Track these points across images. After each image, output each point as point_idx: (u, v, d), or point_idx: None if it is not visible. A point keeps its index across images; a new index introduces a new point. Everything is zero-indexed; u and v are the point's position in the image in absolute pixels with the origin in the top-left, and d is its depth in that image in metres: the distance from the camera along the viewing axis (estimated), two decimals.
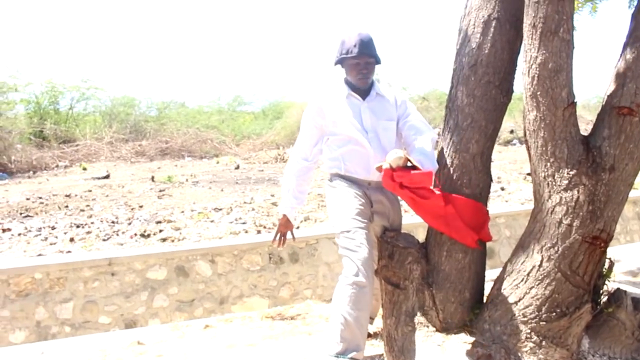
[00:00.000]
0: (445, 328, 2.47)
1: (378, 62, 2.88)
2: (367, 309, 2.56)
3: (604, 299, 2.51)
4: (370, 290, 2.59)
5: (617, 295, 2.44)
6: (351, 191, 2.78)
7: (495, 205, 8.06)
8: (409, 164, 2.47)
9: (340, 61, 2.86)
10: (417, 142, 2.69)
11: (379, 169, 2.50)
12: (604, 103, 2.38)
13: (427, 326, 2.47)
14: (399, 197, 2.74)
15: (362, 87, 2.86)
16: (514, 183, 9.95)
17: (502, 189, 9.34)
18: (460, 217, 2.44)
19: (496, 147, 16.27)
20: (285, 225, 3.03)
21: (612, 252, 5.34)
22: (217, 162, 13.81)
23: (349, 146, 2.80)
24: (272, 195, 8.68)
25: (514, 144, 17.63)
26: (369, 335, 3.13)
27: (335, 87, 2.92)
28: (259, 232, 6.60)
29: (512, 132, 18.13)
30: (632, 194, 8.37)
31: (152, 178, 10.49)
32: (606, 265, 2.51)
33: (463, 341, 2.35)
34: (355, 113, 2.82)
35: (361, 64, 2.80)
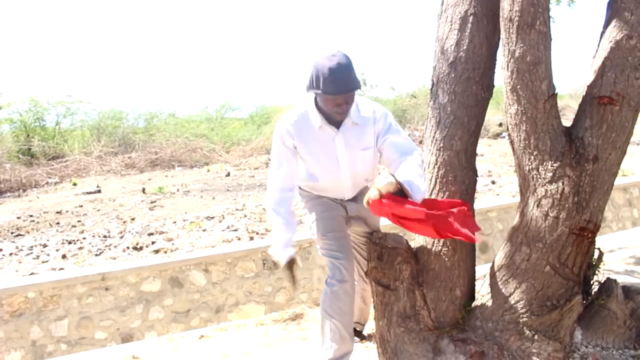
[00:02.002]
0: (438, 327, 2.46)
1: (358, 88, 2.50)
2: (352, 310, 2.63)
3: (595, 289, 2.51)
4: (354, 292, 2.63)
5: (608, 285, 2.45)
6: (324, 198, 2.79)
7: (486, 199, 8.07)
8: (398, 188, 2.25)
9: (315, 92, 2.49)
10: (404, 162, 2.44)
11: (368, 202, 2.28)
12: (584, 93, 2.39)
13: (420, 326, 2.46)
14: None
15: (337, 121, 2.57)
16: (504, 176, 9.97)
17: (493, 182, 9.35)
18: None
19: (486, 141, 16.38)
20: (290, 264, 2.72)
21: (607, 240, 5.37)
22: (208, 171, 13.76)
23: (320, 182, 2.69)
24: None
25: (504, 137, 17.67)
26: (363, 338, 3.13)
27: (306, 113, 2.62)
28: (251, 238, 6.58)
29: (500, 125, 18.18)
30: (622, 180, 8.43)
31: (143, 190, 10.44)
32: (595, 256, 2.51)
33: (456, 339, 2.35)
34: (328, 146, 2.59)
35: (339, 99, 2.44)
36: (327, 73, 2.37)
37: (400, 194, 2.24)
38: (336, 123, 2.58)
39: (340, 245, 2.64)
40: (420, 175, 2.38)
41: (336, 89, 2.39)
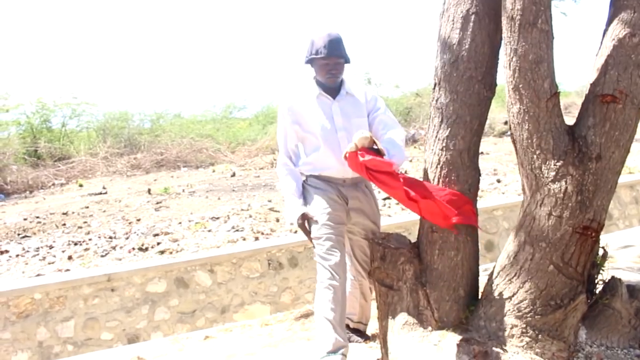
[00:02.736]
0: (441, 327, 2.45)
1: (347, 61, 2.93)
2: (344, 305, 2.70)
3: (599, 288, 2.49)
4: (344, 288, 2.72)
5: (612, 284, 2.43)
6: (325, 195, 2.85)
7: (492, 198, 8.05)
8: (375, 147, 2.51)
9: (310, 61, 2.91)
10: (387, 135, 2.79)
11: (345, 155, 2.53)
12: (587, 92, 2.37)
13: (423, 326, 2.46)
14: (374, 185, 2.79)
15: (332, 86, 2.91)
16: (510, 174, 9.93)
17: (499, 181, 9.31)
18: (433, 202, 2.43)
19: (491, 139, 16.33)
20: (306, 225, 2.92)
21: (613, 238, 5.33)
22: (213, 171, 13.76)
23: (320, 151, 2.85)
24: (269, 201, 8.66)
25: (509, 135, 17.55)
26: (367, 338, 3.13)
27: (305, 87, 2.98)
28: (256, 238, 6.59)
29: (506, 123, 18.08)
30: (628, 178, 8.39)
31: (149, 190, 10.46)
32: (600, 255, 2.50)
33: (459, 339, 2.34)
34: (326, 112, 2.88)
35: (330, 64, 2.85)
36: (321, 37, 2.84)
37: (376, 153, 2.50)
38: (332, 93, 2.92)
39: (332, 249, 2.72)
40: (400, 146, 2.74)
41: (328, 51, 2.81)
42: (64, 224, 8.05)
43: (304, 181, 3.00)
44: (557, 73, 2.34)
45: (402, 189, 2.44)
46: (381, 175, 2.46)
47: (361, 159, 2.44)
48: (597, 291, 2.49)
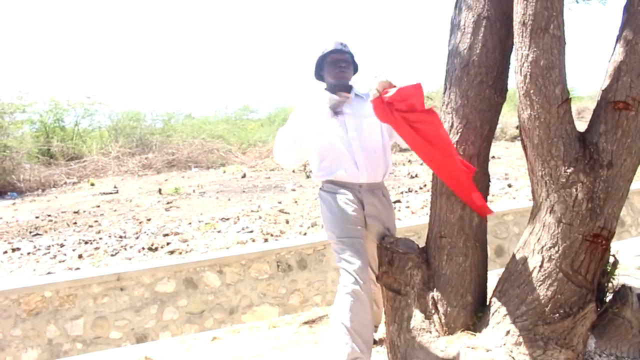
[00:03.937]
0: (448, 333, 2.44)
1: (355, 62, 3.02)
2: (367, 313, 2.61)
3: (610, 297, 2.47)
4: (369, 296, 2.63)
5: (623, 293, 2.41)
6: (342, 199, 2.81)
7: (503, 203, 8.00)
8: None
9: (319, 64, 3.00)
10: None
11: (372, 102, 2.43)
12: (599, 98, 2.35)
13: (430, 332, 2.44)
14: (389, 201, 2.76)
15: (341, 83, 2.93)
16: (521, 179, 9.86)
17: (510, 185, 9.26)
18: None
19: (503, 144, 16.25)
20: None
21: (626, 245, 5.26)
22: (224, 172, 13.82)
23: (334, 154, 2.83)
24: (279, 202, 8.68)
25: (520, 140, 17.44)
26: (374, 342, 3.12)
27: (318, 95, 3.00)
28: (266, 240, 6.60)
29: (517, 127, 17.97)
30: None
31: (160, 190, 10.52)
32: (610, 262, 2.47)
33: (466, 346, 2.32)
34: (337, 115, 2.88)
35: (338, 58, 2.92)
36: (327, 41, 2.97)
37: None
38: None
39: (354, 252, 2.66)
40: None
41: (334, 46, 2.94)
42: (75, 223, 8.12)
43: (320, 188, 2.98)
44: (570, 77, 2.32)
45: (439, 122, 2.33)
46: (412, 115, 2.33)
47: (385, 96, 2.33)
48: (607, 300, 2.46)
